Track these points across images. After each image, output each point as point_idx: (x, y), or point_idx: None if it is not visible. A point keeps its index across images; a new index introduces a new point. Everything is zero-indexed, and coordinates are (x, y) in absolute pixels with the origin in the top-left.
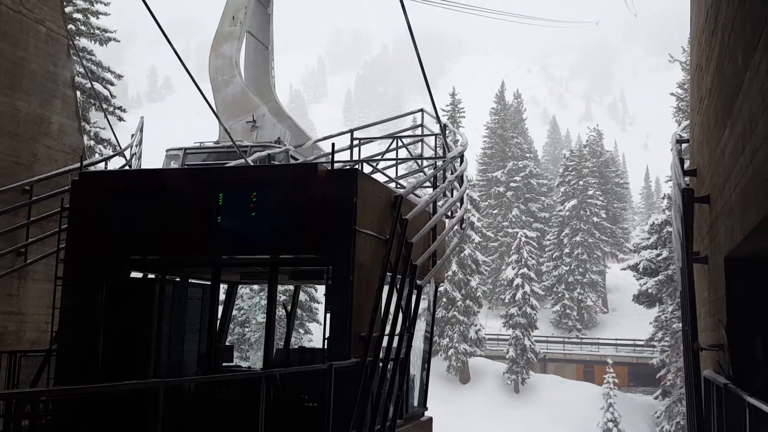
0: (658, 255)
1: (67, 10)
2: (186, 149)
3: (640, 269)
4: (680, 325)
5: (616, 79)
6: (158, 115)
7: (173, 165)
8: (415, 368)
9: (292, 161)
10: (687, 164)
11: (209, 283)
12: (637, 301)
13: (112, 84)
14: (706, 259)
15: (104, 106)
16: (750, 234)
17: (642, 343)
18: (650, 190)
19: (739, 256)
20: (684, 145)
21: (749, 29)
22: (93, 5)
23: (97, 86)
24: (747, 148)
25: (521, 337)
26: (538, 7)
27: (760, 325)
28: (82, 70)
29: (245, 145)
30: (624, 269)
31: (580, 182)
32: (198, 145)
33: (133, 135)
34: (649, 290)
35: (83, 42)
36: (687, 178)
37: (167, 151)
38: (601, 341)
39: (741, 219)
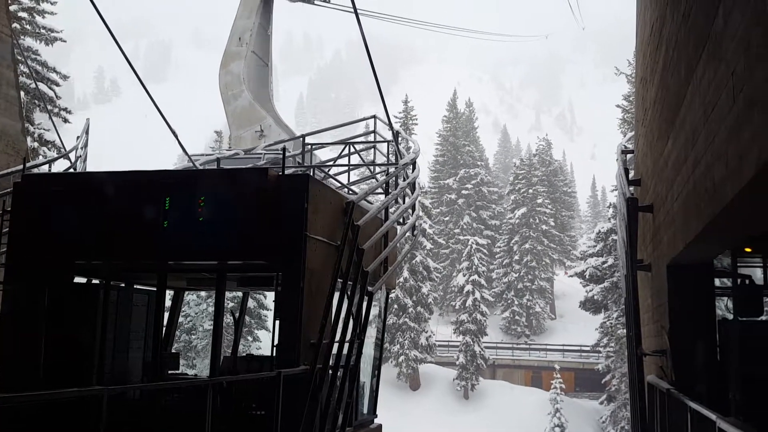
0: (603, 262)
1: (12, 8)
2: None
3: (587, 276)
4: (625, 331)
5: (565, 90)
6: (105, 116)
7: None
8: (365, 375)
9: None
10: (632, 174)
11: (155, 289)
12: (583, 308)
13: (57, 84)
14: (650, 266)
15: (49, 107)
16: (691, 242)
17: (588, 348)
18: (597, 199)
19: (681, 264)
20: (629, 156)
21: (692, 44)
22: (39, 4)
23: (42, 87)
24: (689, 159)
25: (471, 343)
26: (489, 19)
27: (702, 331)
28: (26, 70)
29: (258, 153)
30: (571, 276)
31: (530, 190)
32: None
33: (78, 137)
34: (595, 297)
35: (28, 41)
36: (632, 188)
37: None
38: (548, 347)
39: (683, 228)
